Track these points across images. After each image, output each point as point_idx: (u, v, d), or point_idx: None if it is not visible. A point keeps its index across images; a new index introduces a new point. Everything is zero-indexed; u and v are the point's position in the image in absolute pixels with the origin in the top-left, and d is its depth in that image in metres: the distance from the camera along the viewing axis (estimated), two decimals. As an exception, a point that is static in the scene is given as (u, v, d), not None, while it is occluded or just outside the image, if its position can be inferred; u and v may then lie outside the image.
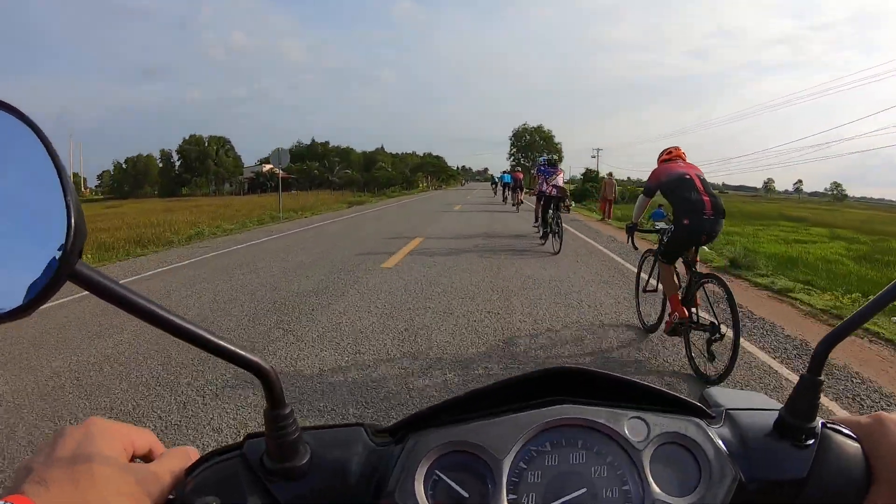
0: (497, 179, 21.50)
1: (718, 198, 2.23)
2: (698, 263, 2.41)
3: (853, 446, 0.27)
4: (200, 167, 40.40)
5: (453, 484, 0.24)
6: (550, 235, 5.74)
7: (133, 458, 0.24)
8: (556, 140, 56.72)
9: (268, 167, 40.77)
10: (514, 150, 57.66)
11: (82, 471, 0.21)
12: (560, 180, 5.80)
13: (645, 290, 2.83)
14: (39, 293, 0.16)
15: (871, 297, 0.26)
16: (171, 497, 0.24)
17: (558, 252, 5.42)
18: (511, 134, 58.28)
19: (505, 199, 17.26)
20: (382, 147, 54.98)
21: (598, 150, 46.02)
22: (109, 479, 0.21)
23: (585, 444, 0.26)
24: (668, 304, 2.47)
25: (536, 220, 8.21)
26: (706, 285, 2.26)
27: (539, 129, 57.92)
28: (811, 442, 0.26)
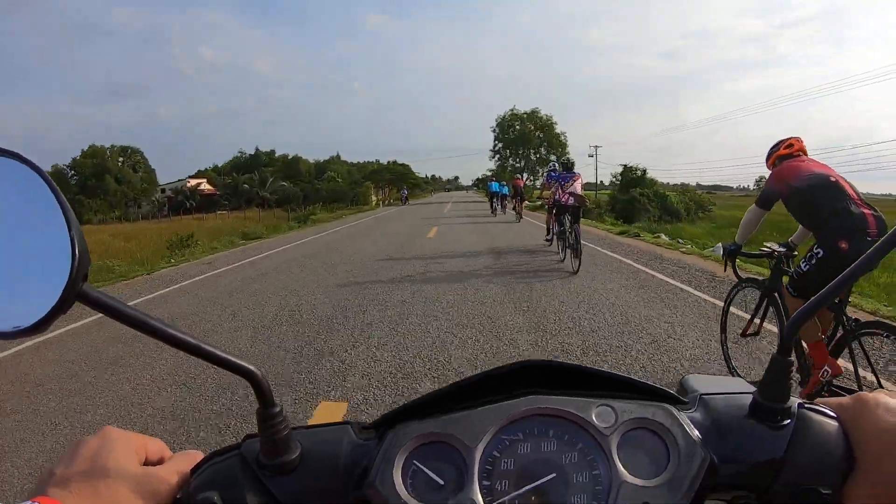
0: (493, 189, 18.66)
1: (879, 211, 1.80)
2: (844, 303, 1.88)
3: (833, 425, 0.30)
4: (97, 186, 37.13)
5: (430, 472, 0.29)
6: (569, 252, 5.74)
7: (145, 464, 0.30)
8: (559, 129, 45.44)
9: (194, 182, 37.77)
10: (499, 145, 46.48)
11: (99, 474, 0.27)
12: (578, 187, 5.89)
13: (745, 335, 2.39)
14: (50, 312, 0.22)
15: (840, 275, 0.31)
16: (178, 497, 0.29)
17: (577, 271, 5.46)
18: (494, 124, 47.13)
19: (494, 209, 17.15)
20: (338, 155, 53.23)
21: (597, 146, 40.83)
22: (123, 481, 0.27)
23: (556, 433, 0.30)
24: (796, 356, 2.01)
25: (548, 234, 8.35)
26: (867, 337, 1.76)
27: (534, 116, 45.30)
28: (787, 422, 0.30)
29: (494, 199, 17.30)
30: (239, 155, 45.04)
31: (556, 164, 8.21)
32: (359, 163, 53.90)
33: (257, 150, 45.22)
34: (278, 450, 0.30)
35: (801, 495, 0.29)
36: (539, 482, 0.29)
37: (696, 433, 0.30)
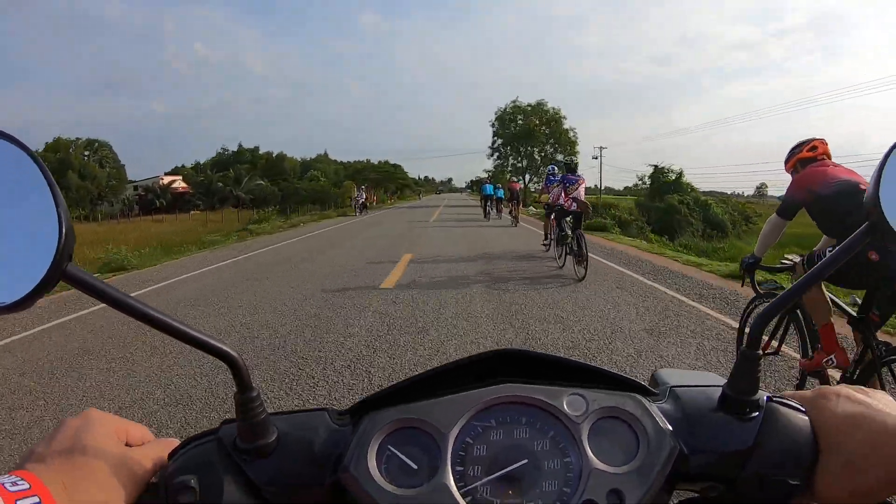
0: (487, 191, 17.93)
1: None
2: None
3: (801, 418, 0.32)
4: (59, 182, 35.97)
5: (404, 457, 0.31)
6: (572, 259, 5.64)
7: (126, 446, 0.31)
8: (567, 124, 40.42)
9: (167, 180, 36.48)
10: (499, 142, 41.87)
11: (78, 452, 0.29)
12: (582, 191, 5.80)
13: (764, 354, 2.36)
14: (36, 288, 0.23)
15: (803, 276, 0.34)
16: (153, 481, 0.31)
17: (583, 278, 5.37)
18: (493, 118, 42.28)
19: (487, 213, 16.91)
20: (325, 153, 51.91)
21: (602, 147, 38.05)
22: (101, 459, 0.29)
23: (529, 421, 0.32)
24: (808, 341, 2.05)
25: (546, 238, 8.27)
26: None
27: (539, 108, 40.36)
28: (755, 414, 0.33)
29: (488, 203, 17.07)
30: (221, 151, 43.16)
31: (555, 167, 8.17)
32: (347, 162, 52.30)
33: (240, 146, 43.17)
34: (255, 434, 0.31)
35: (770, 485, 0.31)
36: (511, 468, 0.30)
37: (665, 423, 0.32)
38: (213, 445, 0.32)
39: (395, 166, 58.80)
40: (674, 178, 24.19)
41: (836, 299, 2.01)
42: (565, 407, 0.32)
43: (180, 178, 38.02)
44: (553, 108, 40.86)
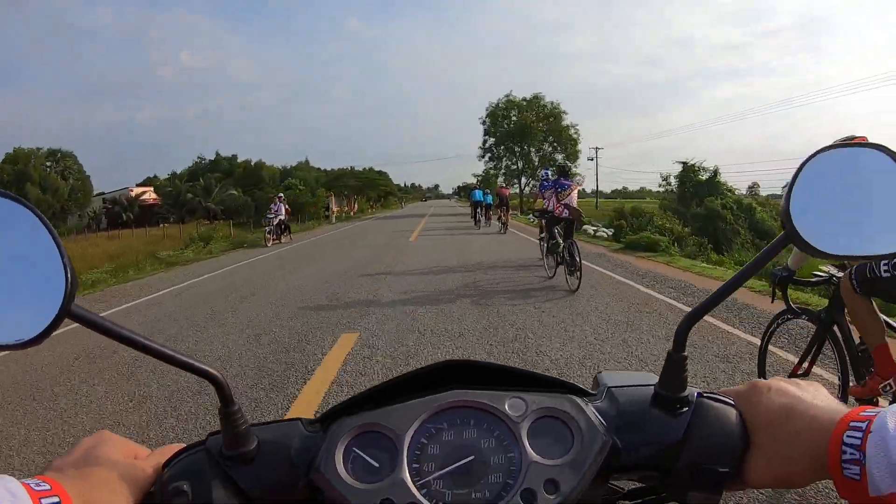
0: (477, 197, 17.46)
1: None
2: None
3: (730, 412, 0.37)
4: (19, 194, 34.19)
5: (367, 457, 0.36)
6: (564, 268, 5.46)
7: None
8: (568, 121, 37.11)
9: (137, 191, 34.89)
10: (490, 141, 38.18)
11: (91, 464, 0.35)
12: (574, 197, 5.64)
13: (794, 375, 2.22)
14: (49, 326, 0.29)
15: (726, 281, 0.37)
16: (151, 490, 0.36)
17: (576, 290, 5.22)
18: (484, 115, 38.61)
19: (477, 221, 16.78)
20: (307, 160, 50.00)
21: (598, 148, 38.45)
22: (111, 470, 0.35)
23: (476, 422, 0.37)
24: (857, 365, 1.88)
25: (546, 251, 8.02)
26: None
27: (536, 103, 37.03)
28: (686, 410, 0.37)
29: (478, 210, 16.98)
30: (198, 160, 40.89)
31: (549, 172, 8.07)
32: (329, 169, 50.69)
33: (217, 154, 41.28)
34: (238, 442, 0.36)
35: (700, 474, 0.35)
36: (460, 463, 0.36)
37: (598, 419, 0.37)
38: (202, 455, 0.37)
39: (381, 173, 58.16)
40: (706, 177, 20.34)
41: (889, 319, 1.86)
42: (507, 409, 0.37)
43: (151, 189, 36.46)
44: (551, 103, 37.13)
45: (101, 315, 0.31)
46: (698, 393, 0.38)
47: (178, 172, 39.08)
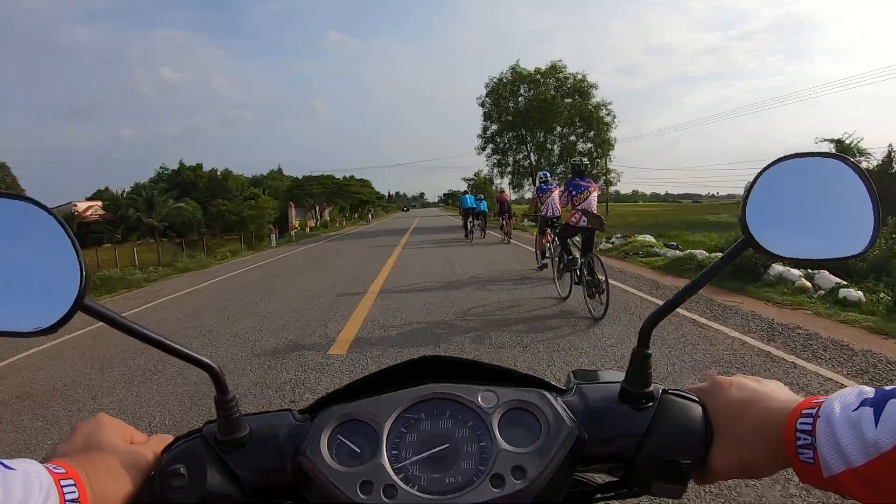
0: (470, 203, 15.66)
1: None
2: None
3: (693, 407, 0.41)
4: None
5: (350, 444, 0.42)
6: (582, 290, 4.68)
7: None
8: (599, 95, 28.04)
9: (83, 206, 32.06)
10: (492, 128, 29.43)
11: (93, 448, 0.39)
12: (593, 201, 4.88)
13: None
14: (64, 316, 0.34)
15: (690, 281, 0.41)
16: (151, 474, 0.41)
17: (602, 317, 4.46)
18: (483, 93, 29.64)
19: (469, 232, 15.11)
20: (279, 169, 47.87)
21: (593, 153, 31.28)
22: (113, 455, 0.39)
23: (451, 413, 0.43)
24: None
25: (544, 258, 7.45)
26: None
27: (555, 72, 27.94)
28: (650, 404, 0.42)
29: (470, 219, 15.18)
30: (161, 171, 38.06)
31: (548, 174, 7.40)
32: (303, 178, 48.04)
33: (181, 163, 39.10)
34: (232, 429, 0.42)
35: (663, 466, 0.40)
36: (435, 450, 0.41)
37: (566, 412, 0.42)
38: (198, 441, 0.42)
39: (362, 181, 56.60)
40: (877, 164, 14.45)
41: None
42: (480, 401, 0.43)
43: (99, 203, 32.56)
44: (575, 75, 27.85)
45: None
46: (663, 389, 0.43)
47: (143, 183, 36.81)
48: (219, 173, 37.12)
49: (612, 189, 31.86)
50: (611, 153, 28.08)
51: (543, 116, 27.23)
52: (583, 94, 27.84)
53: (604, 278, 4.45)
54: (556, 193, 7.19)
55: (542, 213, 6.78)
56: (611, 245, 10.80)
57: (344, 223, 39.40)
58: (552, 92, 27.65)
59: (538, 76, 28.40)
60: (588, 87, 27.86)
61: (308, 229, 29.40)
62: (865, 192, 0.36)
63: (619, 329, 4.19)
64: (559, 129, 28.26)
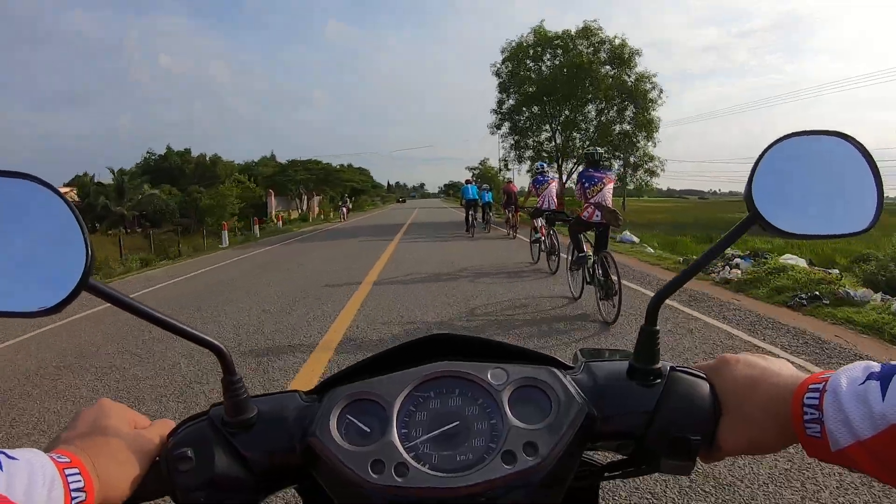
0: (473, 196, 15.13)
1: None
2: None
3: (701, 384, 0.42)
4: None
5: (359, 423, 0.42)
6: (595, 291, 4.49)
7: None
8: (643, 67, 23.07)
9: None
10: (509, 102, 25.03)
11: (98, 434, 0.39)
12: (608, 194, 4.65)
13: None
14: (69, 295, 0.34)
15: (694, 259, 0.42)
16: (156, 458, 0.41)
17: (614, 322, 4.25)
18: (499, 60, 24.87)
19: (471, 226, 14.63)
20: (272, 155, 46.12)
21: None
22: (118, 440, 0.40)
23: (461, 391, 0.44)
24: None
25: (541, 248, 7.24)
26: None
27: (587, 33, 23.01)
28: (658, 381, 0.43)
29: (471, 211, 14.78)
30: (147, 156, 36.50)
31: (544, 165, 7.16)
32: (302, 158, 44.23)
33: (168, 148, 37.07)
34: (239, 410, 0.43)
35: (672, 442, 0.41)
36: (445, 428, 0.42)
37: (575, 389, 0.43)
38: (205, 423, 0.43)
39: (362, 170, 56.35)
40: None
41: None
42: (490, 378, 0.43)
43: (74, 190, 29.45)
44: (613, 39, 22.82)
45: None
46: (671, 366, 0.44)
47: (128, 169, 35.60)
48: (207, 158, 35.98)
49: (654, 182, 24.55)
50: (655, 136, 23.04)
51: (574, 87, 22.39)
52: (625, 62, 22.53)
53: (617, 279, 4.23)
54: (553, 185, 7.02)
55: (538, 206, 6.63)
56: (745, 274, 5.96)
57: (331, 215, 34.50)
58: (590, 56, 22.67)
59: (566, 36, 23.32)
60: (631, 54, 22.57)
61: (280, 223, 25.06)
62: (868, 170, 0.38)
63: (633, 337, 3.93)
64: (594, 104, 23.44)
